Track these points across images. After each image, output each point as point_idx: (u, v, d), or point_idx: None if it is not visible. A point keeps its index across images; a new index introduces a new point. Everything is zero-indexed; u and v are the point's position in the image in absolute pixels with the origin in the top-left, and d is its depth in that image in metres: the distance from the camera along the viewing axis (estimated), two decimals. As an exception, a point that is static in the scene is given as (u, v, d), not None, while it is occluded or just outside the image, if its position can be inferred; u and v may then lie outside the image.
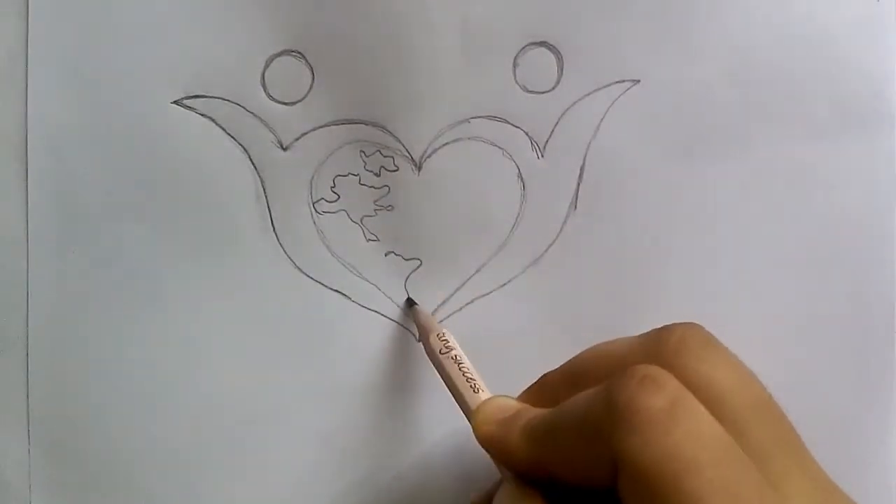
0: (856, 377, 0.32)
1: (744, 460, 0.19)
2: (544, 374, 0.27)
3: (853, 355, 0.32)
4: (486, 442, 0.25)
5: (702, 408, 0.20)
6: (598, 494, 0.21)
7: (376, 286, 0.31)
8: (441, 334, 0.29)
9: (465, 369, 0.28)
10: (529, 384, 0.27)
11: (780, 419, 0.22)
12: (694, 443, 0.19)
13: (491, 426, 0.25)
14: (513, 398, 0.26)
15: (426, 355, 0.29)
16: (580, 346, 0.26)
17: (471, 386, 0.27)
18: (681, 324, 0.23)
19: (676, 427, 0.19)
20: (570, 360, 0.26)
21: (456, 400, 0.27)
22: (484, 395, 0.27)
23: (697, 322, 0.23)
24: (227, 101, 0.30)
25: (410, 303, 0.31)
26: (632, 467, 0.19)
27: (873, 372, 0.32)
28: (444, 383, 0.28)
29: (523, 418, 0.24)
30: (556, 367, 0.26)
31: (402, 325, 0.31)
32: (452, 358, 0.28)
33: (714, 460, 0.19)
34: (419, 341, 0.31)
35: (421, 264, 0.31)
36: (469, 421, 0.26)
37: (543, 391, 0.26)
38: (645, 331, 0.24)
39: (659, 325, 0.24)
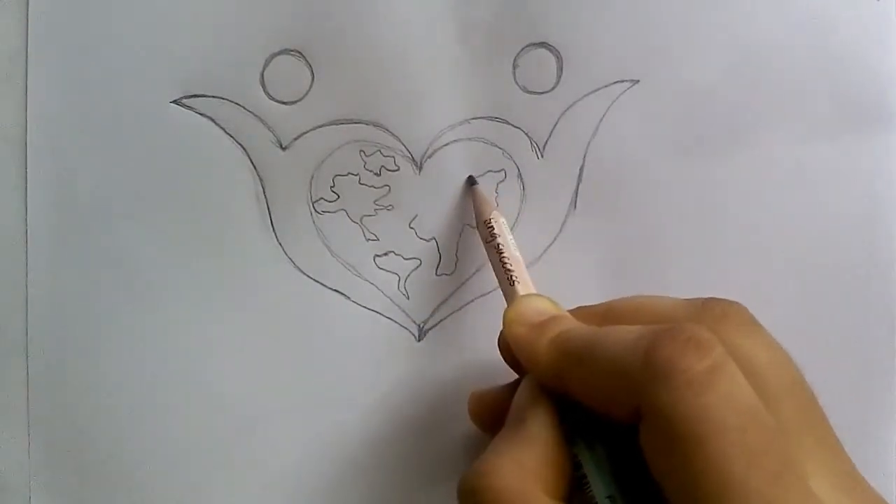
0: (856, 377, 0.32)
1: (772, 430, 0.19)
2: (580, 307, 0.26)
3: (853, 355, 0.32)
4: (514, 342, 0.25)
5: (740, 376, 0.20)
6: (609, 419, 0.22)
7: (376, 286, 0.31)
8: (488, 220, 0.29)
9: (506, 259, 0.28)
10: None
11: (811, 402, 0.22)
12: (725, 407, 0.19)
13: (522, 327, 0.25)
14: (550, 299, 0.26)
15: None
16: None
17: (507, 278, 0.27)
18: (725, 299, 0.24)
19: (711, 390, 0.19)
20: (608, 302, 0.26)
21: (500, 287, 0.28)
22: (521, 287, 0.27)
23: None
24: (227, 100, 0.30)
25: (471, 181, 0.31)
26: (659, 421, 0.20)
27: (873, 372, 0.32)
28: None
29: (556, 328, 0.24)
30: (594, 304, 0.26)
31: (401, 325, 0.31)
32: (494, 247, 0.28)
33: (741, 425, 0.19)
34: (419, 341, 0.31)
35: (421, 264, 0.31)
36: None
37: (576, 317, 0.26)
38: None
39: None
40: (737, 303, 0.23)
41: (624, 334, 0.22)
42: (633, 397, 0.20)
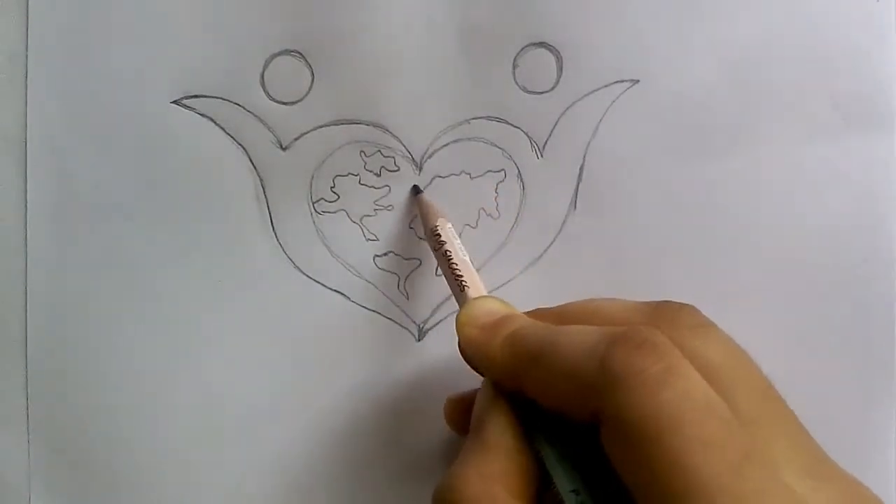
0: (856, 377, 0.32)
1: (730, 423, 0.19)
2: (535, 309, 0.26)
3: (853, 355, 0.31)
4: (467, 344, 0.25)
5: (696, 374, 0.20)
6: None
7: (376, 286, 0.31)
8: (434, 228, 0.29)
9: (454, 265, 0.28)
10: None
11: (771, 394, 0.22)
12: (680, 403, 0.19)
13: (474, 329, 0.25)
14: (501, 300, 0.26)
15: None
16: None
17: (457, 283, 0.27)
18: (677, 301, 0.24)
19: (666, 389, 0.20)
20: (563, 305, 0.26)
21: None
22: (471, 291, 0.27)
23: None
24: (227, 101, 0.30)
25: (416, 190, 0.31)
26: (618, 423, 0.20)
27: (873, 372, 0.32)
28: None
29: (509, 327, 0.24)
30: (550, 307, 0.26)
31: (401, 326, 0.31)
32: (443, 254, 0.28)
33: (697, 419, 0.19)
34: (419, 341, 0.31)
35: (421, 264, 0.31)
36: None
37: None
38: None
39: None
40: (688, 305, 0.24)
41: (579, 336, 0.22)
42: (591, 400, 0.21)
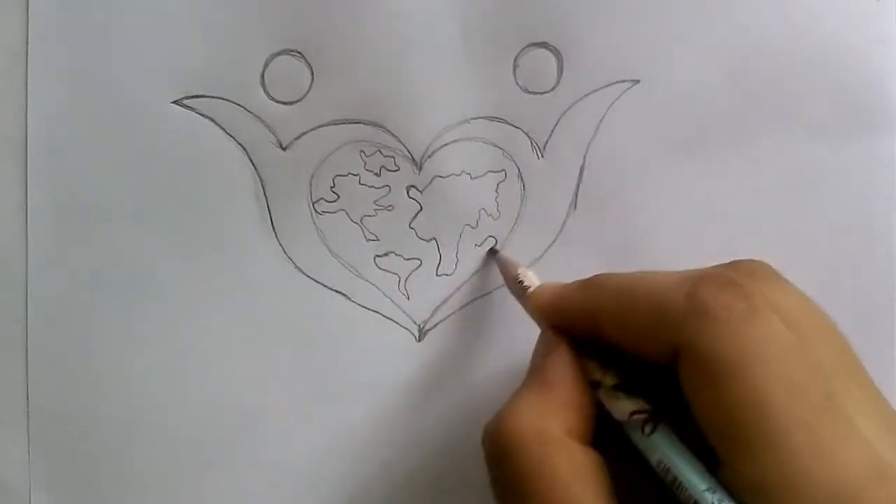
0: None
1: (813, 366, 0.20)
2: (598, 276, 0.25)
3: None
4: (544, 302, 0.26)
5: (778, 319, 0.20)
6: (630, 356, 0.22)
7: (376, 286, 0.31)
8: (516, 276, 0.29)
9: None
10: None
11: (846, 347, 0.22)
12: (765, 341, 0.20)
13: (549, 296, 0.26)
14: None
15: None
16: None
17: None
18: (749, 259, 0.24)
19: (752, 326, 0.20)
20: (639, 274, 0.25)
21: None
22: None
23: None
24: (227, 100, 0.30)
25: (493, 252, 0.31)
26: (700, 356, 0.20)
27: (873, 372, 0.31)
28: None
29: (582, 281, 0.25)
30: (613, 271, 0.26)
31: (401, 325, 0.31)
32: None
33: (783, 358, 0.19)
34: (419, 341, 0.31)
35: (421, 264, 0.31)
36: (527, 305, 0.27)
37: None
38: None
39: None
40: (761, 261, 0.24)
41: (663, 276, 0.22)
42: (673, 334, 0.21)
